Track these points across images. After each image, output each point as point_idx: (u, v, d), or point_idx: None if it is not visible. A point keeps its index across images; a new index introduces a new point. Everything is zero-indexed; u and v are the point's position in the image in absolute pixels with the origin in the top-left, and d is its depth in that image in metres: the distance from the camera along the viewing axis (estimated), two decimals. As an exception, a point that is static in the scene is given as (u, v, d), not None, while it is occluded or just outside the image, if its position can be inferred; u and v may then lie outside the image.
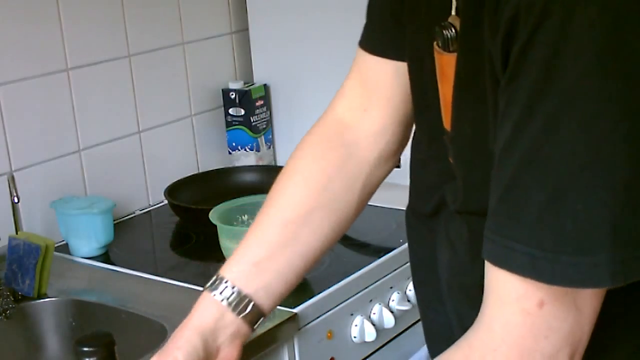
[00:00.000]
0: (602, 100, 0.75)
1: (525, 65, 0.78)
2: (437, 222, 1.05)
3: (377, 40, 1.20)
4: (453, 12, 0.93)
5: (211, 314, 1.07)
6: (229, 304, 1.07)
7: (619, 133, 0.75)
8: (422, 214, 1.09)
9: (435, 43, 0.94)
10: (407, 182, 1.22)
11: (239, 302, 1.07)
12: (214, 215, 1.67)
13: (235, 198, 1.77)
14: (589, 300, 0.80)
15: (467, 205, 0.95)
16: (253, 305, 1.08)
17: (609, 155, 0.75)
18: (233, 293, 1.07)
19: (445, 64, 0.94)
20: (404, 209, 1.21)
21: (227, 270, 1.10)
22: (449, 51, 0.92)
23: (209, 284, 1.09)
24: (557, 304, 0.79)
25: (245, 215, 1.74)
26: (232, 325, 1.08)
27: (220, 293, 1.08)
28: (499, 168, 0.82)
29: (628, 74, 0.76)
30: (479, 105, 0.89)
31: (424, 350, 1.81)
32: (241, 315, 1.07)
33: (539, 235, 0.78)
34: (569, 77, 0.76)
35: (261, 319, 1.10)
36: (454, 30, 0.91)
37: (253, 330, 1.10)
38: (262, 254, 1.10)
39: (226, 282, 1.08)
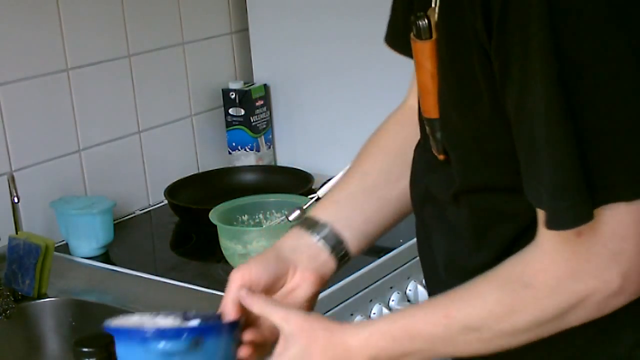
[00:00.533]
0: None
1: (511, 25, 0.85)
2: (425, 213, 1.10)
3: (393, 35, 1.26)
4: (433, 4, 0.97)
5: (290, 235, 1.14)
6: (307, 227, 1.14)
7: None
8: (414, 206, 1.14)
9: (411, 33, 1.00)
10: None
11: (317, 226, 1.14)
12: (213, 215, 1.67)
13: (235, 198, 1.77)
14: (632, 228, 0.87)
15: (468, 186, 0.99)
16: (331, 229, 1.13)
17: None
18: (312, 219, 1.14)
19: (419, 52, 1.00)
20: None
21: (311, 209, 1.22)
22: (422, 39, 0.98)
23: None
24: (595, 233, 0.88)
25: (245, 215, 1.74)
26: (310, 247, 1.12)
27: (300, 221, 1.16)
28: (517, 129, 0.89)
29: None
30: (463, 86, 0.94)
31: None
32: (319, 236, 1.12)
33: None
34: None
35: (343, 253, 1.13)
36: (426, 21, 0.97)
37: (335, 266, 1.13)
38: (342, 195, 1.18)
39: (308, 214, 1.17)
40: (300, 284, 1.11)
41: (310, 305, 1.13)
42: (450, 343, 0.98)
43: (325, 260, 1.13)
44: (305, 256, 1.12)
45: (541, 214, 0.90)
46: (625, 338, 0.98)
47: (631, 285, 0.90)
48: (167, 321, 1.05)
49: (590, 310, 0.92)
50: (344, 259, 1.14)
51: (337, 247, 1.14)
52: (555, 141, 0.85)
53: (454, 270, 1.05)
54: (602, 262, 0.89)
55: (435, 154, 1.03)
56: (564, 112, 0.84)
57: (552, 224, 0.88)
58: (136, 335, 1.02)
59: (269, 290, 1.10)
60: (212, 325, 1.04)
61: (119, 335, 1.05)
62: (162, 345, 1.00)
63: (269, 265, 1.10)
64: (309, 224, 1.15)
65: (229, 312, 1.06)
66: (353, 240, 1.15)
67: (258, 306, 1.05)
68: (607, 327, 0.96)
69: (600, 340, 0.98)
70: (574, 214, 0.86)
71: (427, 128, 1.04)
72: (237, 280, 1.08)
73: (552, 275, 0.91)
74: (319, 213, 1.16)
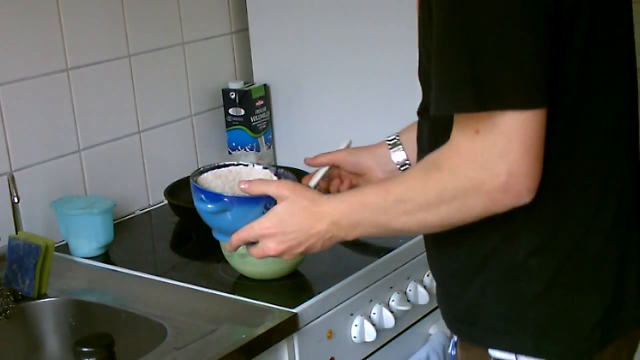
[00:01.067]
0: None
1: None
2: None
3: None
4: None
5: (383, 147, 1.53)
6: (393, 147, 1.51)
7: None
8: None
9: None
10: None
11: (400, 151, 1.51)
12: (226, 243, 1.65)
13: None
14: (515, 132, 1.09)
15: (424, 105, 1.26)
16: (405, 159, 1.50)
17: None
18: (399, 143, 1.51)
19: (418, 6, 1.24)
20: None
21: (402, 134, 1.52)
22: None
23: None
24: (488, 132, 1.10)
25: None
26: (389, 164, 1.50)
27: (391, 139, 1.53)
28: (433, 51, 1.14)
29: None
30: (420, 26, 1.23)
31: (424, 350, 1.81)
32: (399, 159, 1.50)
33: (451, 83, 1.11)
34: None
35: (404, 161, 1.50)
36: None
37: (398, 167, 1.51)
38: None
39: (397, 137, 1.53)
40: (368, 182, 1.49)
41: None
42: (387, 213, 1.22)
43: (392, 169, 1.50)
44: (387, 171, 1.50)
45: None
46: (521, 247, 1.18)
47: (515, 185, 1.10)
48: (254, 171, 1.46)
49: (483, 199, 1.12)
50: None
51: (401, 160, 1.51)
52: (446, 52, 1.11)
53: None
54: (491, 158, 1.10)
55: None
56: (457, 34, 1.09)
57: (434, 108, 1.14)
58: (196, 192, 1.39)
59: (349, 173, 1.52)
60: (241, 198, 1.34)
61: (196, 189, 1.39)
62: (207, 206, 1.36)
63: (363, 160, 1.52)
64: (394, 144, 1.52)
65: (316, 160, 1.52)
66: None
67: (256, 188, 1.34)
68: (508, 237, 1.18)
69: (501, 248, 1.19)
70: (452, 103, 1.11)
71: None
72: (342, 154, 1.53)
73: (454, 162, 1.14)
74: (405, 139, 1.51)
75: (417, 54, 1.27)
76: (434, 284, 1.81)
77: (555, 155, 1.14)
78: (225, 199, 1.35)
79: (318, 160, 1.52)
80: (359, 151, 1.53)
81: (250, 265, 1.63)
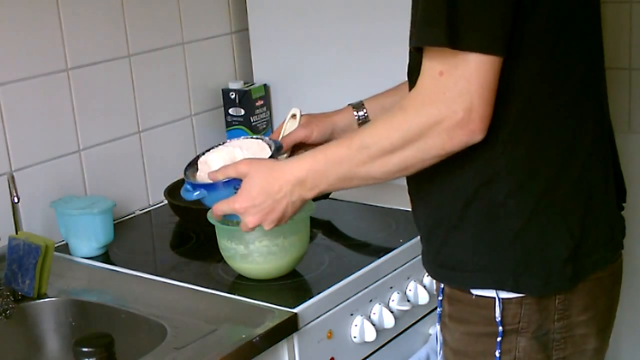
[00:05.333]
0: None
1: None
2: None
3: None
4: None
5: (345, 113, 1.65)
6: (356, 109, 1.64)
7: None
8: None
9: None
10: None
11: (363, 112, 1.63)
12: (211, 215, 1.67)
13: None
14: (476, 74, 1.19)
15: (410, 66, 1.35)
16: (366, 113, 1.63)
17: None
18: (362, 107, 1.64)
19: None
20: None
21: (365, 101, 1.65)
22: None
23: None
24: (451, 72, 1.19)
25: None
26: (354, 128, 1.60)
27: (354, 104, 1.65)
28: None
29: None
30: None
31: (424, 350, 1.81)
32: (361, 121, 1.62)
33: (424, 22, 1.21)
34: None
35: None
36: None
37: None
38: (387, 101, 1.61)
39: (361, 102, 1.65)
40: None
41: None
42: (350, 162, 1.29)
43: None
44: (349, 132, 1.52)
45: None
46: (502, 188, 1.27)
47: (470, 122, 1.20)
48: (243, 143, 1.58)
49: (442, 135, 1.21)
50: None
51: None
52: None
53: None
54: (452, 96, 1.20)
55: None
56: None
57: (412, 41, 1.25)
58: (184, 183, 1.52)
59: (317, 145, 1.51)
60: (212, 185, 1.46)
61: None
62: (191, 194, 1.50)
63: (325, 131, 1.62)
64: (358, 107, 1.63)
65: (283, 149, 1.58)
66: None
67: (220, 175, 1.45)
68: (488, 180, 1.27)
69: (482, 191, 1.27)
70: (428, 36, 1.20)
71: None
72: (299, 133, 1.62)
73: (418, 101, 1.24)
74: (367, 104, 1.63)
75: None
76: (434, 284, 1.82)
77: (531, 102, 1.24)
78: (202, 188, 1.48)
79: (284, 146, 1.60)
80: (323, 123, 1.63)
81: (249, 264, 1.62)
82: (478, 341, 1.34)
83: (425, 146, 1.23)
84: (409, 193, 1.41)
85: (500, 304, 1.30)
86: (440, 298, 1.41)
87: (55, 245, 1.67)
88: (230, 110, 2.25)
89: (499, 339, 1.31)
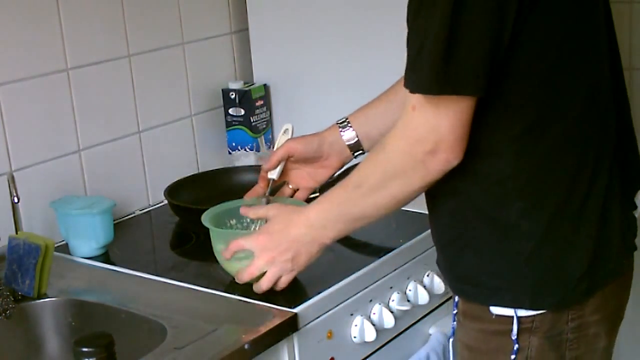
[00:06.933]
0: None
1: None
2: None
3: None
4: None
5: (330, 131, 1.68)
6: (342, 127, 1.68)
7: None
8: None
9: None
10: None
11: (349, 129, 1.67)
12: (206, 219, 1.67)
13: (234, 199, 1.77)
14: (445, 112, 1.23)
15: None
16: (357, 135, 1.67)
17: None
18: (347, 124, 1.68)
19: None
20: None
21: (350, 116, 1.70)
22: None
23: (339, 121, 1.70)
24: (422, 110, 1.25)
25: (234, 220, 1.73)
26: (341, 144, 1.67)
27: (339, 121, 1.69)
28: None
29: None
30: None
31: (424, 350, 1.81)
32: (349, 138, 1.67)
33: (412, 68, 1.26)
34: None
35: (360, 153, 1.67)
36: None
37: (351, 160, 1.68)
38: (371, 113, 1.68)
39: (346, 116, 1.70)
40: (327, 166, 1.69)
41: (322, 182, 1.70)
42: (348, 202, 1.39)
43: (348, 155, 1.68)
44: (336, 151, 1.67)
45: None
46: (513, 211, 1.29)
47: (441, 152, 1.25)
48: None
49: (419, 168, 1.28)
50: (357, 157, 1.66)
51: (357, 148, 1.68)
52: (410, 36, 1.25)
53: None
54: (424, 132, 1.26)
55: None
56: (420, 31, 1.22)
57: (404, 84, 1.27)
58: None
59: (305, 162, 1.68)
60: None
61: None
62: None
63: (312, 147, 1.67)
64: (344, 125, 1.67)
65: (271, 165, 1.67)
66: (368, 147, 1.65)
67: (252, 212, 1.60)
68: (500, 201, 1.30)
69: (495, 212, 1.31)
70: (407, 82, 1.26)
71: None
72: (287, 147, 1.66)
73: (395, 138, 1.31)
74: (353, 119, 1.68)
75: None
76: (434, 284, 1.82)
77: (535, 129, 1.27)
78: None
79: (273, 160, 1.67)
80: (310, 138, 1.68)
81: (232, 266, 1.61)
82: (492, 339, 1.36)
83: (408, 180, 1.30)
84: (427, 207, 1.43)
85: (517, 319, 1.33)
86: (457, 299, 1.44)
87: (55, 245, 1.67)
88: (230, 110, 2.25)
89: (512, 357, 1.34)
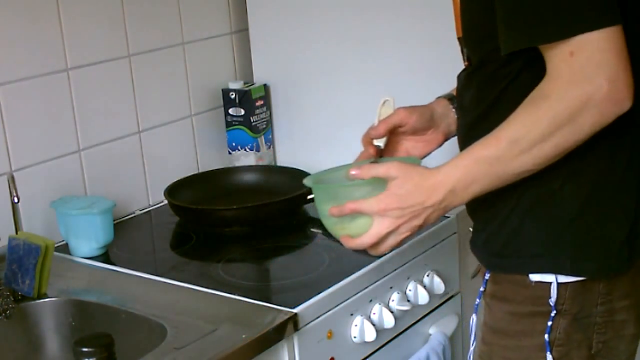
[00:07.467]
0: None
1: None
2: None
3: None
4: None
5: (439, 103, 1.57)
6: (450, 101, 1.56)
7: None
8: None
9: None
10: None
11: (453, 99, 1.56)
12: (308, 181, 1.49)
13: (234, 199, 1.76)
14: (607, 46, 1.18)
15: (474, 66, 1.36)
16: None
17: None
18: (454, 97, 1.55)
19: None
20: None
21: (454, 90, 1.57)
22: None
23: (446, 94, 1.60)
24: (583, 50, 1.18)
25: None
26: (449, 117, 1.56)
27: (446, 95, 1.58)
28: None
29: None
30: (473, 4, 1.31)
31: (424, 350, 1.82)
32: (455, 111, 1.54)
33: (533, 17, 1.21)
34: None
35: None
36: None
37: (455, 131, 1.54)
38: None
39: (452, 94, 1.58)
40: (430, 140, 1.56)
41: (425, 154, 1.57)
42: (502, 160, 1.26)
43: (453, 131, 1.55)
44: (445, 123, 1.55)
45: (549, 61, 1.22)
46: (556, 174, 1.28)
47: (617, 91, 1.18)
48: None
49: (592, 112, 1.19)
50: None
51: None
52: None
53: (462, 143, 1.41)
54: (591, 70, 1.18)
55: (464, 65, 1.42)
56: None
57: (511, 46, 1.22)
58: None
59: (412, 133, 1.54)
60: None
61: None
62: None
63: (425, 117, 1.54)
64: (451, 98, 1.56)
65: (380, 133, 1.51)
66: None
67: (367, 173, 1.37)
68: (545, 168, 1.27)
69: (537, 177, 1.28)
70: (535, 35, 1.21)
71: (460, 47, 1.43)
72: (400, 115, 1.52)
73: (559, 86, 1.21)
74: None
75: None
76: (434, 283, 1.82)
77: None
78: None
79: (381, 127, 1.52)
80: (422, 109, 1.56)
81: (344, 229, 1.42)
82: (520, 321, 1.36)
83: (577, 128, 1.22)
84: None
85: (557, 287, 1.32)
86: (486, 277, 1.42)
87: (55, 245, 1.67)
88: (230, 110, 2.25)
89: (549, 323, 1.33)
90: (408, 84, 2.06)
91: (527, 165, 1.26)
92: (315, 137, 2.24)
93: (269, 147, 2.29)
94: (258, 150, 2.25)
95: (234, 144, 2.26)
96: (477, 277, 1.52)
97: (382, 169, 1.35)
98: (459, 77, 1.44)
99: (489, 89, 1.33)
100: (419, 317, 1.82)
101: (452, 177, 1.30)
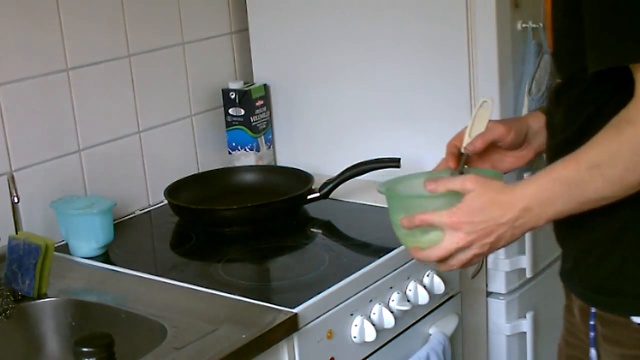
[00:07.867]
0: None
1: None
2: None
3: None
4: None
5: (535, 117, 1.51)
6: (545, 113, 1.45)
7: None
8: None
9: None
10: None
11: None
12: (382, 188, 1.45)
13: (234, 199, 1.77)
14: None
15: (563, 84, 1.32)
16: None
17: None
18: (545, 109, 1.45)
19: None
20: None
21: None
22: None
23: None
24: None
25: None
26: (543, 134, 1.45)
27: (540, 107, 1.52)
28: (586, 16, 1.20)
29: None
30: (566, 18, 1.26)
31: (424, 350, 1.81)
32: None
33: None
34: None
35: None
36: None
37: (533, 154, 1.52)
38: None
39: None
40: (523, 157, 1.50)
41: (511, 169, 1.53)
42: (581, 184, 1.20)
43: (538, 149, 1.50)
44: (539, 141, 1.48)
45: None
46: (619, 215, 1.23)
47: None
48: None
49: None
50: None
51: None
52: (607, 6, 1.14)
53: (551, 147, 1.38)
54: None
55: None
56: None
57: (600, 63, 1.16)
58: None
59: (506, 148, 1.48)
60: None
61: None
62: None
63: (521, 136, 1.48)
64: (545, 111, 1.45)
65: (477, 148, 1.45)
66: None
67: (443, 186, 1.32)
68: (605, 208, 1.22)
69: (637, 215, 1.23)
70: (630, 52, 1.15)
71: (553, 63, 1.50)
72: (498, 132, 1.46)
73: None
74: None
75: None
76: (434, 284, 1.82)
77: None
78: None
79: (479, 143, 1.46)
80: (519, 126, 1.50)
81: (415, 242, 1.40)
82: None
83: None
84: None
85: None
86: (592, 322, 1.33)
87: (55, 245, 1.67)
88: (230, 110, 2.25)
89: None
90: (408, 83, 2.06)
91: (605, 192, 1.21)
92: (315, 137, 2.25)
93: (269, 147, 2.29)
94: (258, 150, 2.25)
95: (234, 144, 2.26)
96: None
97: (458, 182, 1.31)
98: (549, 91, 1.40)
99: (577, 112, 1.27)
100: (419, 317, 1.82)
101: (528, 193, 1.25)
